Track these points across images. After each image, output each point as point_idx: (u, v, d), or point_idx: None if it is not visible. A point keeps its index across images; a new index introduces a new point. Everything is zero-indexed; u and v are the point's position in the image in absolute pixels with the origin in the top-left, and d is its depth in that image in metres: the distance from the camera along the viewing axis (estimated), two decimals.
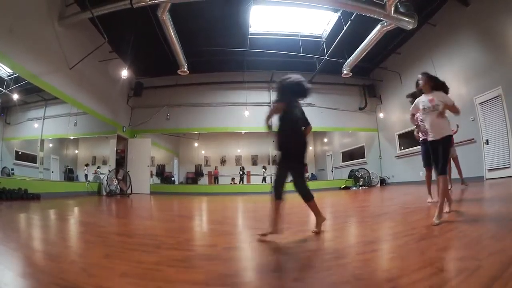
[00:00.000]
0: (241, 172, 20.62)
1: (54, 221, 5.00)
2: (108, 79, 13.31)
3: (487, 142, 9.81)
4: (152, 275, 2.04)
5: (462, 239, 2.76)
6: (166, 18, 9.66)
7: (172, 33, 10.52)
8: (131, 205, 8.90)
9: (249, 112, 16.02)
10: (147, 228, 4.46)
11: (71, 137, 13.08)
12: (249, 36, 12.82)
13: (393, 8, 8.96)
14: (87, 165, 14.06)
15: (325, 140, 22.83)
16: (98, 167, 14.48)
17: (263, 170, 19.97)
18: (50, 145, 11.99)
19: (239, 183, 19.88)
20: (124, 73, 12.53)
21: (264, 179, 19.46)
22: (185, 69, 12.97)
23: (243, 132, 17.26)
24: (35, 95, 10.20)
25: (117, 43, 12.50)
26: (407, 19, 9.38)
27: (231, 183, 19.02)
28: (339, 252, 2.70)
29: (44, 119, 10.86)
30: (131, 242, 3.28)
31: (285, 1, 8.93)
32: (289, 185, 3.48)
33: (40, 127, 10.80)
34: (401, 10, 9.32)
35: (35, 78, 9.08)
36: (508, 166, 9.05)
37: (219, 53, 13.76)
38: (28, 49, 8.74)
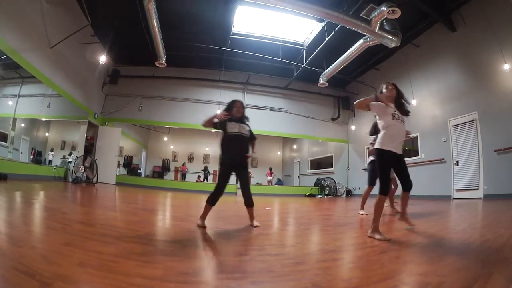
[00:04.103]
0: (207, 171, 20.49)
1: (19, 204, 4.86)
2: (86, 63, 12.89)
3: (457, 163, 10.09)
4: (110, 267, 2.00)
5: (425, 254, 2.75)
6: (151, 8, 9.42)
7: (155, 24, 10.24)
8: (96, 194, 8.65)
9: (221, 112, 15.80)
10: (109, 219, 4.33)
11: (43, 119, 12.61)
12: (231, 36, 12.72)
13: (378, 25, 9.00)
14: (52, 150, 13.62)
15: (294, 146, 23.02)
16: (71, 153, 14.04)
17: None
18: (22, 125, 11.47)
19: (203, 181, 19.74)
20: (103, 58, 12.12)
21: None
22: (163, 62, 12.70)
23: (213, 131, 17.01)
24: (13, 72, 9.72)
25: (99, 27, 12.18)
26: (391, 37, 9.45)
27: (197, 181, 18.85)
28: (299, 258, 2.66)
29: (19, 97, 10.40)
30: (92, 231, 3.19)
31: (272, 5, 8.85)
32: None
33: (14, 105, 10.31)
34: (386, 27, 9.38)
35: (15, 54, 8.69)
36: (477, 188, 9.34)
37: (199, 49, 13.59)
38: (12, 22, 8.39)
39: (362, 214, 6.39)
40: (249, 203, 4.22)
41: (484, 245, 3.02)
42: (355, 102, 3.98)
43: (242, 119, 4.46)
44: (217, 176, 4.35)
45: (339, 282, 2.03)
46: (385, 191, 3.63)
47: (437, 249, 2.93)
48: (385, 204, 6.85)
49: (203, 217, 4.12)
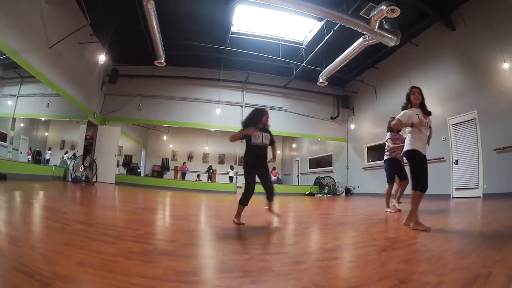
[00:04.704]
0: (210, 171, 20.54)
1: (19, 203, 4.86)
2: (85, 63, 12.90)
3: (456, 162, 10.08)
4: (110, 267, 2.00)
5: (424, 253, 2.75)
6: (150, 7, 9.41)
7: (154, 23, 10.22)
8: (95, 193, 8.64)
9: (220, 111, 15.92)
10: (108, 218, 4.34)
11: (43, 119, 12.59)
12: (230, 35, 12.70)
13: (377, 24, 8.98)
14: (50, 149, 13.61)
15: (294, 145, 23.01)
16: (66, 152, 14.06)
17: (230, 170, 19.91)
18: (21, 124, 11.47)
19: (208, 180, 19.77)
20: (102, 58, 12.17)
21: (231, 178, 19.36)
22: (162, 61, 12.69)
23: (212, 129, 17.10)
24: (12, 71, 9.73)
25: (99, 26, 12.19)
26: (390, 36, 9.44)
27: (196, 180, 18.84)
28: (299, 257, 2.66)
29: (18, 97, 10.38)
30: (91, 231, 3.20)
31: (272, 4, 8.83)
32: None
33: (13, 105, 10.31)
34: (386, 26, 9.36)
35: (14, 54, 8.68)
36: (477, 187, 9.32)
37: (198, 48, 13.55)
38: (12, 22, 8.39)
39: (389, 212, 6.46)
40: (269, 197, 4.66)
41: (484, 244, 3.03)
42: (393, 123, 4.53)
43: (265, 128, 4.75)
44: (244, 180, 4.69)
45: (339, 281, 2.03)
46: (417, 186, 4.06)
47: (436, 248, 2.93)
48: (400, 202, 7.13)
49: (238, 216, 4.39)
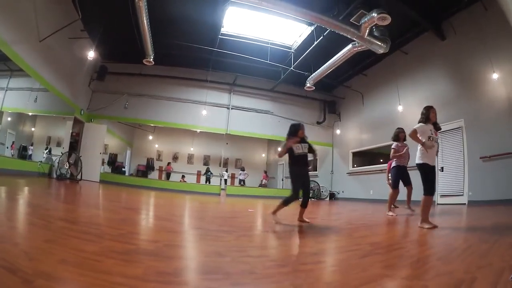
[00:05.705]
0: (209, 173, 20.27)
1: (2, 199, 4.82)
2: (74, 58, 12.68)
3: (442, 169, 10.12)
4: (91, 265, 1.98)
5: (408, 259, 2.75)
6: (142, 5, 9.33)
7: (144, 21, 10.11)
8: (80, 191, 8.58)
9: (206, 112, 15.88)
10: (91, 217, 4.31)
11: (30, 113, 12.36)
12: (220, 36, 12.62)
13: (367, 31, 9.01)
14: (32, 144, 13.38)
15: (279, 149, 22.85)
16: (46, 148, 13.82)
17: (224, 172, 19.72)
18: (9, 118, 11.24)
19: (206, 183, 19.66)
20: (91, 54, 12.04)
21: (225, 181, 19.18)
22: (151, 60, 12.60)
23: (198, 131, 17.11)
24: (2, 64, 9.50)
25: (89, 22, 12.03)
26: (380, 44, 9.49)
27: (180, 181, 18.73)
28: (281, 260, 2.66)
29: (6, 90, 10.19)
30: (74, 229, 3.18)
31: (263, 7, 8.80)
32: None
33: (1, 98, 10.10)
34: (375, 34, 9.43)
35: (5, 46, 8.52)
36: (462, 194, 9.39)
37: (188, 48, 13.47)
38: (3, 14, 8.25)
39: (390, 215, 6.82)
40: (305, 205, 5.18)
41: (468, 250, 3.04)
42: (410, 133, 4.99)
43: (303, 139, 5.23)
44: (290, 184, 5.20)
45: (320, 285, 2.02)
46: (431, 192, 4.80)
47: (420, 253, 2.93)
48: (396, 206, 7.81)
49: (276, 212, 5.04)
